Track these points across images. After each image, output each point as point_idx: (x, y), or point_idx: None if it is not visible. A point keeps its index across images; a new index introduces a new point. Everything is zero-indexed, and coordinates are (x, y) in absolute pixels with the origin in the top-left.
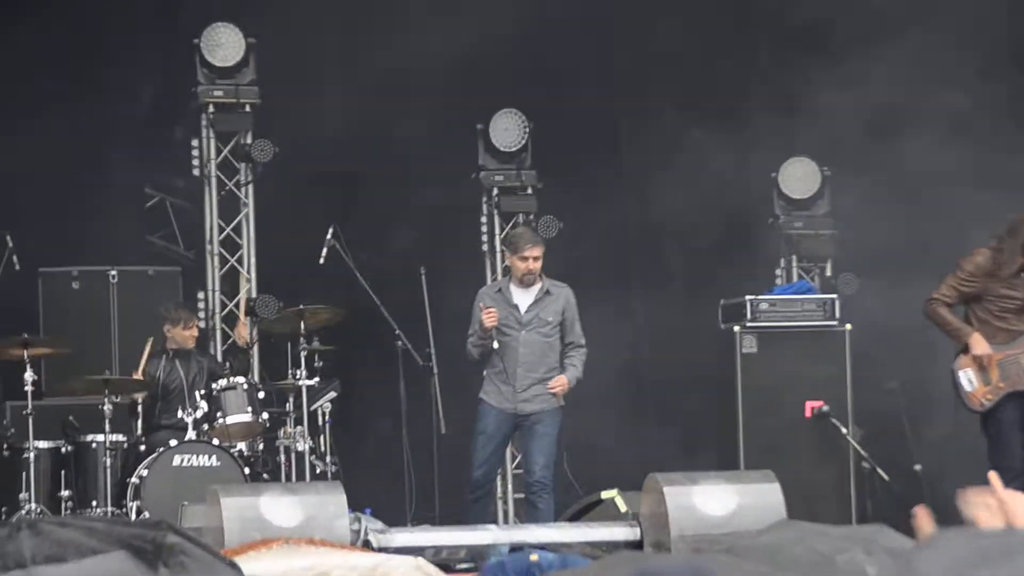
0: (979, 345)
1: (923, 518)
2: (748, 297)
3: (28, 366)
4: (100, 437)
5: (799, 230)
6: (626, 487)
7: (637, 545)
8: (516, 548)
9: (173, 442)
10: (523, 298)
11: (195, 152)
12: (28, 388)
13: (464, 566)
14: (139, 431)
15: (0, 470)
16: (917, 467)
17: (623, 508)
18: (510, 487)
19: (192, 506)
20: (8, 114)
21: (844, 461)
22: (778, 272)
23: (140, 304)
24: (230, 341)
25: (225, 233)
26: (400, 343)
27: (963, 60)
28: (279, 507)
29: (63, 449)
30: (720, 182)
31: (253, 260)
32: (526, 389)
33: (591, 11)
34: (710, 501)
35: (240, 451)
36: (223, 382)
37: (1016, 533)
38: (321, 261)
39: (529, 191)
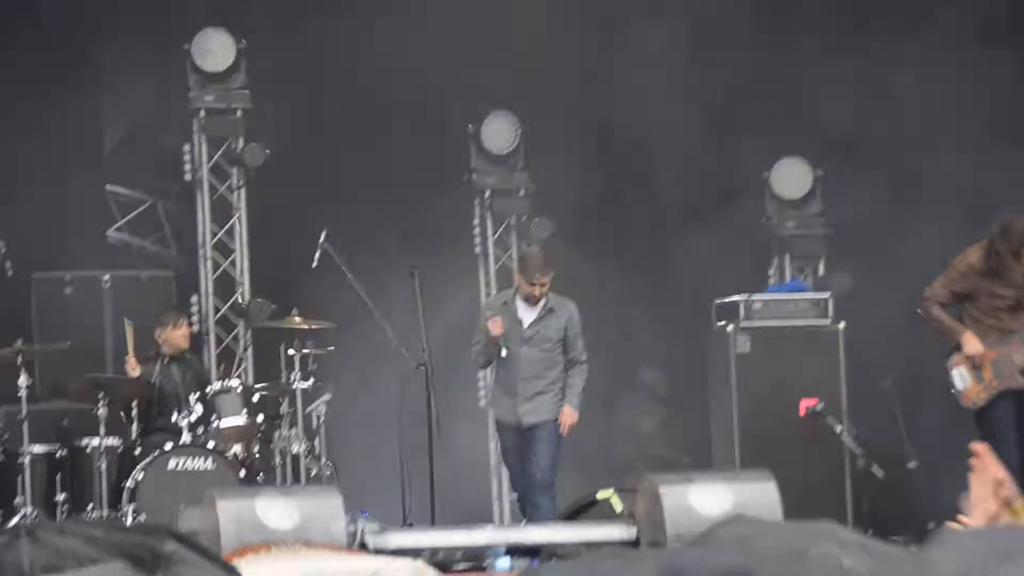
0: (971, 344)
1: (984, 454)
2: (741, 297)
3: (23, 370)
4: (95, 441)
5: (791, 230)
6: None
7: (633, 545)
8: (513, 548)
9: (168, 446)
10: (527, 314)
11: (187, 157)
12: (22, 393)
13: (462, 566)
14: (134, 435)
15: None
16: (911, 464)
17: (619, 508)
18: (505, 487)
19: (188, 509)
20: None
21: (839, 458)
22: (771, 272)
23: (133, 309)
24: (223, 345)
25: (217, 237)
26: (394, 345)
27: (964, 60)
28: (275, 510)
29: (58, 453)
30: (713, 181)
31: (246, 264)
32: (528, 400)
33: (592, 8)
34: (706, 500)
35: (235, 454)
36: (218, 385)
37: None
38: (314, 265)
39: (522, 193)
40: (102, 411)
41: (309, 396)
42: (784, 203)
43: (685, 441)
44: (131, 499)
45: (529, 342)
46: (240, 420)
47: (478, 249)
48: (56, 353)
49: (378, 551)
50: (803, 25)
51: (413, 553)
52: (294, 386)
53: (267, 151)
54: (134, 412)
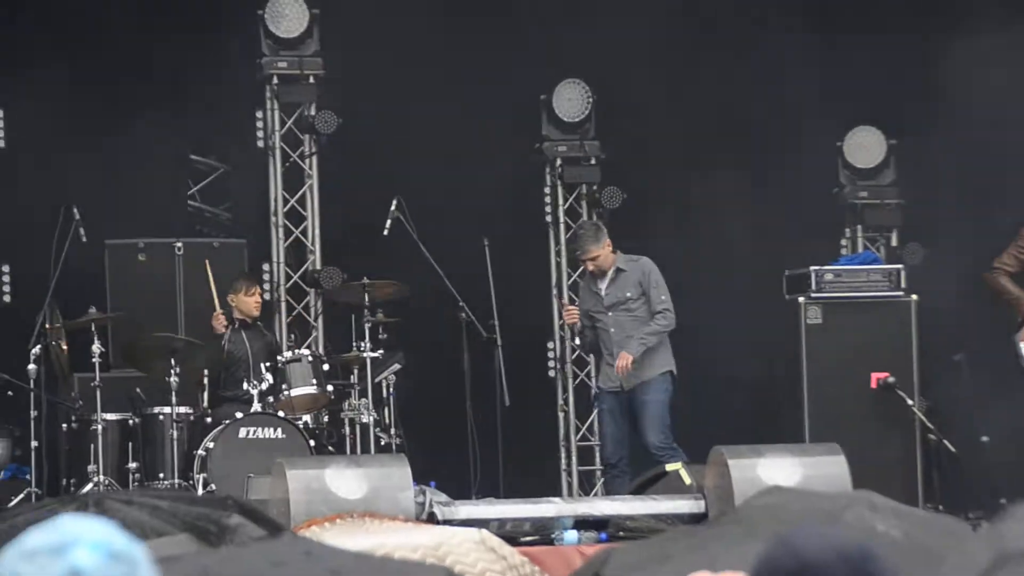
0: None
1: None
2: (813, 268)
3: (96, 338)
4: (167, 409)
5: (864, 200)
6: (691, 459)
7: (702, 518)
8: (581, 521)
9: (239, 414)
10: (603, 283)
11: (259, 124)
12: (96, 360)
13: (530, 539)
14: (205, 403)
15: (69, 443)
16: (984, 439)
17: (687, 481)
18: (574, 459)
19: (258, 478)
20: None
21: (910, 433)
22: (843, 242)
23: (206, 276)
24: (295, 313)
25: (290, 205)
26: (464, 315)
27: None
28: (344, 479)
29: (130, 421)
30: (785, 150)
31: (317, 232)
32: None
33: None
34: (775, 473)
35: (305, 423)
36: (288, 354)
37: None
38: (385, 233)
39: (593, 161)
40: (174, 380)
41: (379, 365)
42: (857, 172)
43: (754, 414)
44: (202, 468)
45: (611, 308)
46: (311, 389)
47: (548, 218)
48: (129, 320)
49: (446, 522)
50: None
51: (481, 524)
52: (364, 355)
53: (339, 119)
54: (205, 380)
